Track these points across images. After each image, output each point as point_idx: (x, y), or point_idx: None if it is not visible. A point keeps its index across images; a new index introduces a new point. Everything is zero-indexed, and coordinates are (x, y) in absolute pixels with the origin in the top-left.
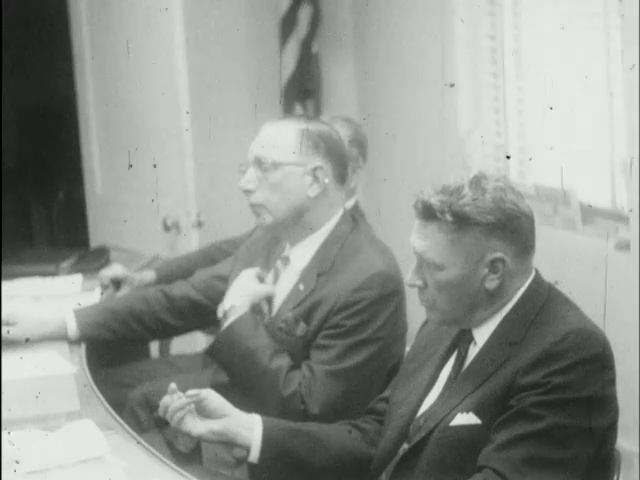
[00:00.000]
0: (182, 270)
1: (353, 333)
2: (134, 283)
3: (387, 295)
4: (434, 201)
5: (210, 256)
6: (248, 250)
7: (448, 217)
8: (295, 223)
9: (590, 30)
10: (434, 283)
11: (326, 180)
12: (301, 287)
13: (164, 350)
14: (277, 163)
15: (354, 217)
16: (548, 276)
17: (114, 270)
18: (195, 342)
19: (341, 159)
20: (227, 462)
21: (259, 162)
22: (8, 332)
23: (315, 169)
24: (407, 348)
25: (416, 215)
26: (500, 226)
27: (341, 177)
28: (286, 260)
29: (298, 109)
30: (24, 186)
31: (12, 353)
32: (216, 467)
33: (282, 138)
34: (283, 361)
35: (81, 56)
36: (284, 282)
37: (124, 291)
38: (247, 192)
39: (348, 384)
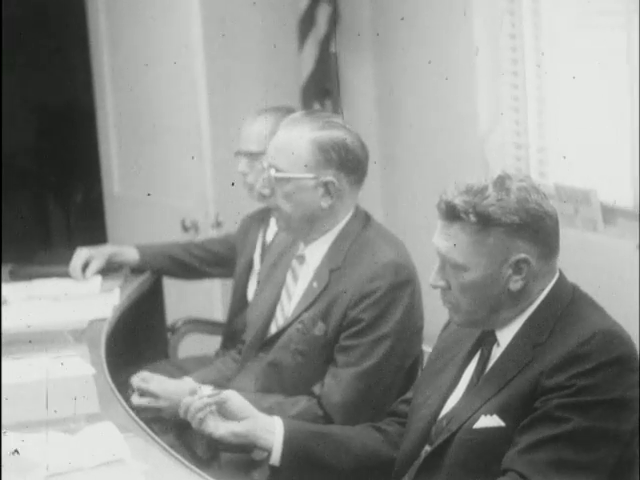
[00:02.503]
0: (163, 253)
1: (373, 328)
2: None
3: (400, 284)
4: (458, 201)
5: (189, 251)
6: (274, 249)
7: (472, 218)
8: (310, 228)
9: (610, 28)
10: (457, 284)
11: (340, 189)
12: (315, 285)
13: (172, 353)
14: (288, 175)
15: (366, 214)
16: (569, 277)
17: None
18: (202, 344)
19: (357, 164)
20: (246, 464)
21: (272, 170)
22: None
23: (326, 183)
24: (424, 346)
25: (439, 215)
26: (524, 227)
27: (357, 181)
28: (301, 259)
29: (317, 109)
30: (42, 187)
31: (31, 355)
32: (235, 470)
33: (294, 149)
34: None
35: (99, 57)
36: (301, 281)
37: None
38: (263, 195)
39: (371, 382)
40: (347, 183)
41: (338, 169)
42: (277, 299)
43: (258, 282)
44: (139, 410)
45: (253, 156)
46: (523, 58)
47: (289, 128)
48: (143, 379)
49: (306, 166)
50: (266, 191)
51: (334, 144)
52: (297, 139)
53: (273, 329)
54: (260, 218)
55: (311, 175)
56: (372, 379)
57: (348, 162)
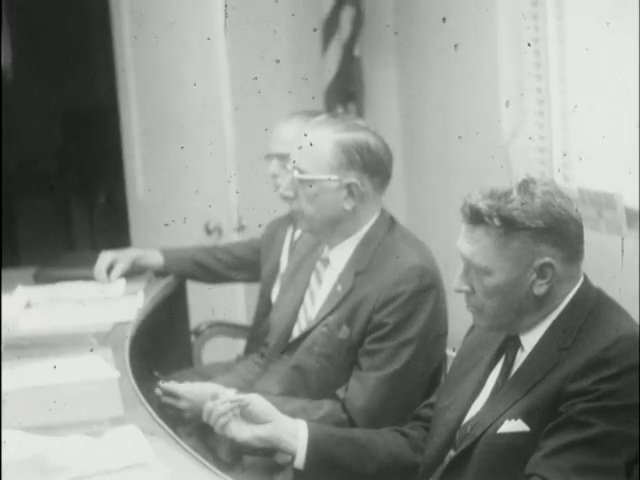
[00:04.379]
0: (188, 257)
1: (398, 332)
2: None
3: (426, 288)
4: (482, 205)
5: (213, 255)
6: (298, 251)
7: (496, 221)
8: (333, 230)
9: (635, 32)
10: (482, 288)
11: (363, 191)
12: (339, 288)
13: (196, 356)
14: (312, 177)
15: (391, 217)
16: (593, 280)
17: (117, 269)
18: (226, 347)
19: (380, 167)
20: (269, 468)
21: (295, 172)
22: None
23: (349, 185)
24: (448, 350)
25: (463, 219)
26: (549, 231)
27: (381, 183)
28: (326, 262)
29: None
30: (66, 190)
31: (56, 358)
32: (258, 473)
33: (317, 151)
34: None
35: (123, 60)
36: (325, 284)
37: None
38: (286, 198)
39: (395, 386)
40: (371, 186)
41: (361, 171)
42: (300, 302)
43: (281, 284)
44: (162, 407)
45: (284, 158)
46: (547, 61)
47: (312, 130)
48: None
49: (329, 168)
50: (289, 193)
51: (357, 146)
52: (320, 141)
53: (296, 332)
54: (287, 222)
55: (334, 177)
56: (396, 383)
57: (371, 164)
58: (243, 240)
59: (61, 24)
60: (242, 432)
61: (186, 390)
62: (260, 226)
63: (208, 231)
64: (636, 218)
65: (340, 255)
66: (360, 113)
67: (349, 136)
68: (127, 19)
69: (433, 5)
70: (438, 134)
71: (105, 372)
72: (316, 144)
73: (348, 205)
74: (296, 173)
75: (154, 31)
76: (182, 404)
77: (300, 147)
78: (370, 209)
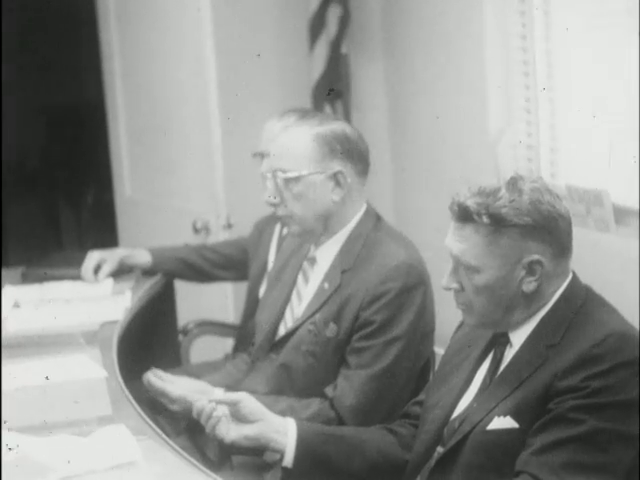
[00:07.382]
0: (175, 257)
1: (385, 329)
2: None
3: (412, 286)
4: (470, 203)
5: (201, 254)
6: (285, 250)
7: (485, 219)
8: (323, 226)
9: (622, 29)
10: (471, 286)
11: (348, 180)
12: (326, 286)
13: (184, 355)
14: (297, 175)
15: (377, 214)
16: (581, 277)
17: (105, 269)
18: (214, 346)
19: (360, 154)
20: (258, 466)
21: (278, 174)
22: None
23: (335, 174)
24: (436, 347)
25: (452, 217)
26: (537, 228)
27: (362, 172)
28: (313, 260)
29: (327, 110)
30: (53, 189)
31: (43, 357)
32: (247, 472)
33: (297, 148)
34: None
35: (110, 58)
36: (311, 283)
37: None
38: (272, 205)
39: (383, 384)
40: (354, 173)
41: (344, 159)
42: (287, 300)
43: (267, 283)
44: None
45: None
46: (534, 59)
47: (287, 131)
48: (159, 377)
49: (312, 162)
50: (274, 199)
51: (335, 135)
52: (299, 138)
53: (282, 330)
54: (275, 220)
55: (319, 169)
56: (384, 381)
57: (352, 152)
58: (231, 239)
59: (47, 23)
60: (231, 433)
61: (180, 395)
62: (248, 224)
63: (196, 230)
64: (623, 215)
65: (326, 253)
66: (347, 111)
67: (326, 128)
68: (113, 18)
69: (420, 2)
70: (426, 131)
71: (93, 371)
72: (294, 142)
73: (336, 196)
74: (280, 174)
75: (141, 30)
76: (174, 407)
77: (278, 149)
78: (355, 202)
